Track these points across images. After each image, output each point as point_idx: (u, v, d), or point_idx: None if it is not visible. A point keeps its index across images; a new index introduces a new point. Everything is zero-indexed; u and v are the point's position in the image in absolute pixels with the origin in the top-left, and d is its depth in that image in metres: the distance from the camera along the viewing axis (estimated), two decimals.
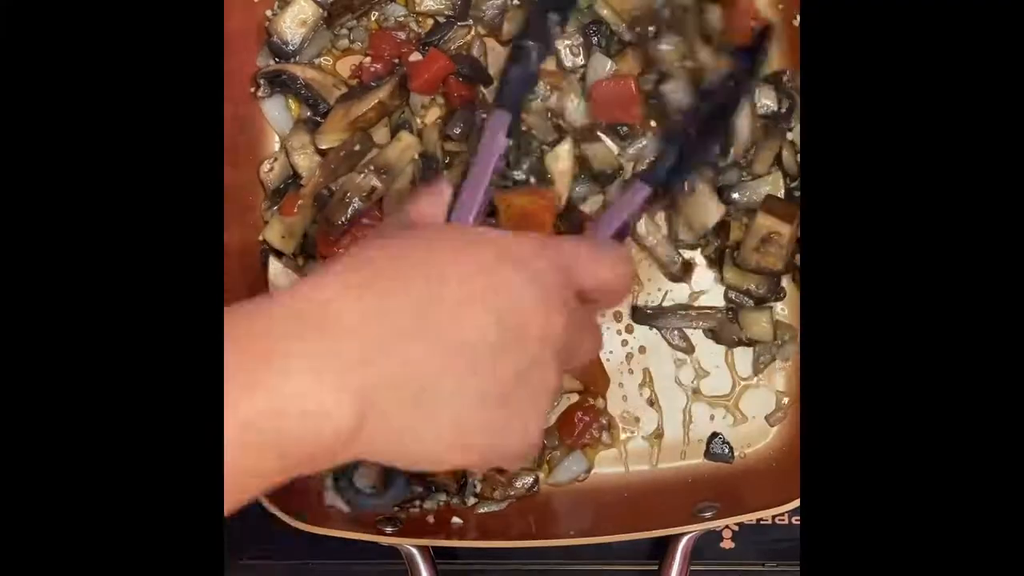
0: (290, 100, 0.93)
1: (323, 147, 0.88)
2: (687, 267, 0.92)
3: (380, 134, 0.89)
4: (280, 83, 0.90)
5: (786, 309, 0.92)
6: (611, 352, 0.92)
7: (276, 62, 0.92)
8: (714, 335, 0.92)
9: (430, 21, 0.92)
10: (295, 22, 0.91)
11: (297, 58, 0.91)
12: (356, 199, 0.85)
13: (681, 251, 0.91)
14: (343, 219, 0.84)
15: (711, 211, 0.88)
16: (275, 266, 0.89)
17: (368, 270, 0.51)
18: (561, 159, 0.88)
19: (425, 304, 0.50)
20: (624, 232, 0.72)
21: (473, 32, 0.91)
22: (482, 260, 0.53)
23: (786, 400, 0.92)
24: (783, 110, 0.90)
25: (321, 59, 0.93)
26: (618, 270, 0.61)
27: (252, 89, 0.91)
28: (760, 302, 0.91)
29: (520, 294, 0.52)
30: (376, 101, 0.86)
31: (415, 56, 0.90)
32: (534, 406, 0.55)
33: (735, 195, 0.89)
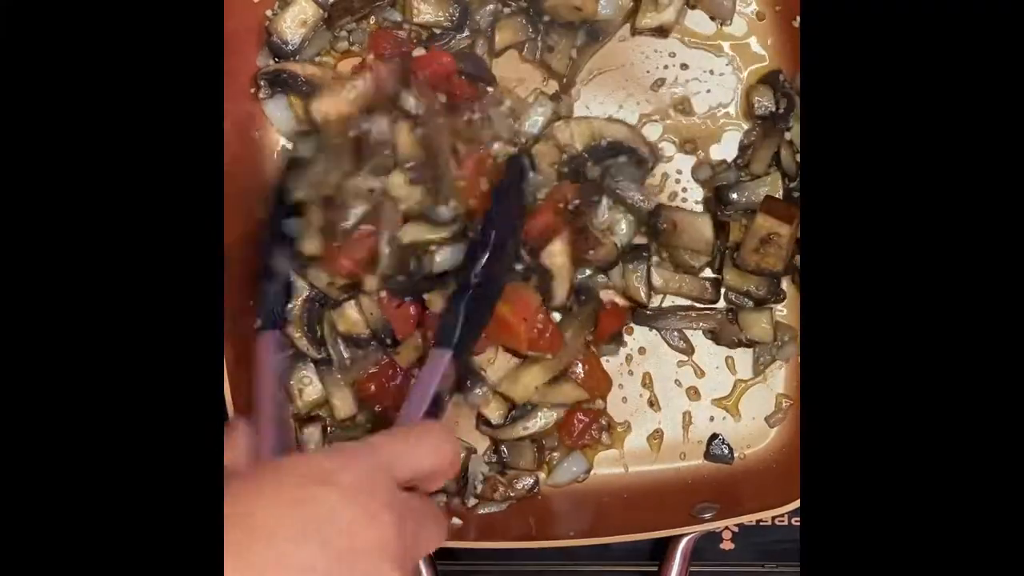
0: (292, 99, 0.93)
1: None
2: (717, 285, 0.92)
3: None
4: (281, 82, 0.90)
5: (786, 310, 0.92)
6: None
7: (276, 62, 0.92)
8: (714, 336, 0.92)
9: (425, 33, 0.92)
10: (295, 22, 0.91)
11: (297, 58, 0.92)
12: (357, 202, 0.84)
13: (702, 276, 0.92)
14: (344, 223, 0.84)
15: (705, 225, 0.89)
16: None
17: None
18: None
19: (244, 557, 0.48)
20: (438, 406, 0.70)
21: (471, 43, 0.92)
22: (289, 496, 0.51)
23: (786, 401, 0.92)
24: (780, 110, 0.90)
25: (321, 59, 0.93)
26: (439, 454, 0.60)
27: (252, 90, 0.91)
28: (760, 303, 0.91)
29: (338, 514, 0.51)
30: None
31: (419, 51, 0.90)
32: None
33: (733, 195, 0.89)
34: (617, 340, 0.91)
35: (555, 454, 0.91)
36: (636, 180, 0.89)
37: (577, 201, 0.86)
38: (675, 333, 0.92)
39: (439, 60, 0.88)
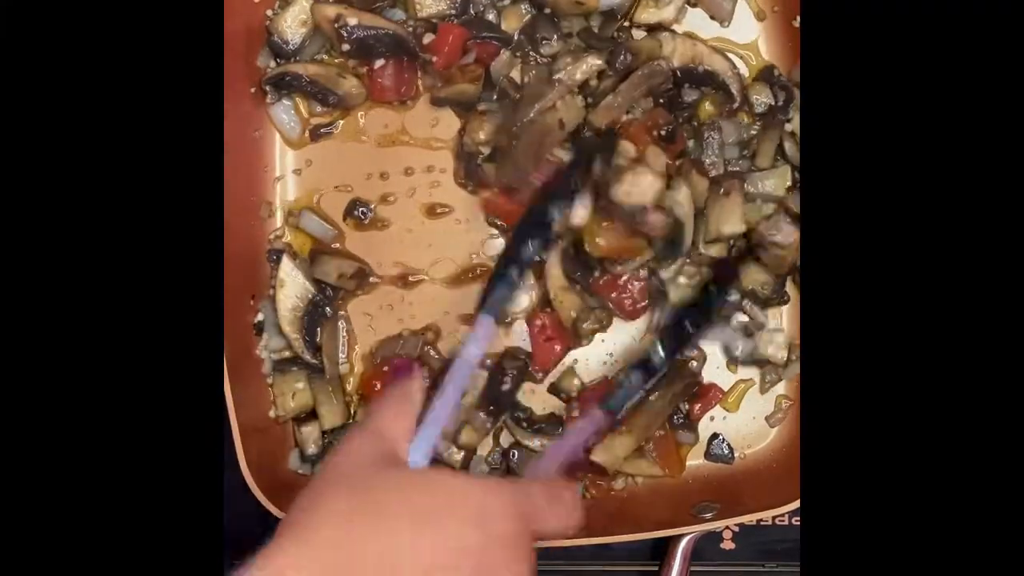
0: (298, 100, 0.93)
1: None
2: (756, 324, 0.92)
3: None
4: (285, 85, 0.90)
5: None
6: (610, 354, 0.92)
7: (277, 62, 0.92)
8: (727, 350, 0.91)
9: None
10: (296, 22, 0.91)
11: (297, 58, 0.92)
12: None
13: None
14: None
15: (736, 219, 0.88)
16: (287, 264, 0.89)
17: (319, 554, 0.50)
18: None
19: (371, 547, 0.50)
20: (577, 465, 0.70)
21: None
22: (442, 533, 0.52)
23: (786, 401, 0.92)
24: (780, 103, 0.90)
25: (322, 58, 0.93)
26: (569, 520, 0.61)
27: (252, 90, 0.91)
28: (765, 304, 0.90)
29: (487, 558, 0.53)
30: None
31: (428, 37, 0.91)
32: None
33: (748, 188, 0.88)
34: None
35: None
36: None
37: (669, 128, 0.87)
38: None
39: (451, 33, 0.89)
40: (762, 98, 0.90)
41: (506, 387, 0.88)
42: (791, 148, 0.90)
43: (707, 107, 0.91)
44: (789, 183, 0.89)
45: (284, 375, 0.89)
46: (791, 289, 0.91)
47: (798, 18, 0.91)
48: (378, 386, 0.90)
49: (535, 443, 0.88)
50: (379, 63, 0.90)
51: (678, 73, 0.89)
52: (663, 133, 0.87)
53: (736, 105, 0.90)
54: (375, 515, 0.52)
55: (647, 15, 0.91)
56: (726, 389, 0.92)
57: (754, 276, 0.89)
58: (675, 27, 0.92)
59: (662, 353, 0.75)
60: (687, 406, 0.91)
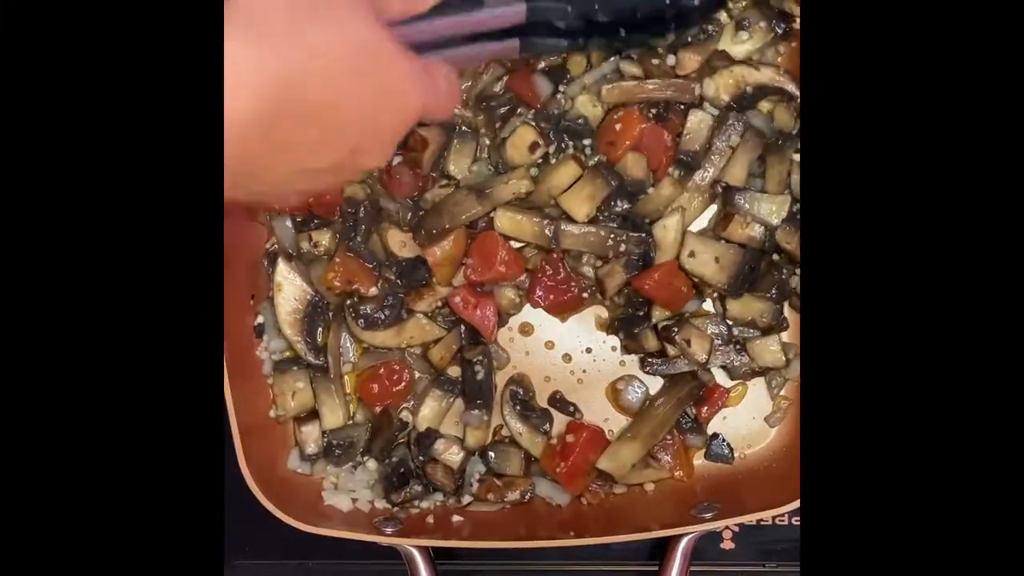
0: None
1: None
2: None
3: None
4: None
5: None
6: (604, 360, 0.92)
7: None
8: (729, 371, 0.91)
9: None
10: None
11: None
12: None
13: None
14: None
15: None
16: (283, 267, 0.89)
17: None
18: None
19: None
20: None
21: None
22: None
23: (785, 402, 0.92)
24: (795, 132, 0.90)
25: None
26: (442, 92, 0.60)
27: None
28: (766, 332, 0.90)
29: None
30: None
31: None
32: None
33: (739, 199, 0.88)
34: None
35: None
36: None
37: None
38: None
39: None
40: (780, 121, 0.90)
41: (480, 376, 0.89)
42: (796, 181, 0.89)
43: (780, 114, 0.90)
44: (785, 215, 0.88)
45: (284, 375, 0.89)
46: (789, 314, 0.91)
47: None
48: (375, 389, 0.90)
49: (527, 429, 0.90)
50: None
51: (734, 104, 0.89)
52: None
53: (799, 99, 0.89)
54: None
55: (733, 46, 0.90)
56: (729, 388, 0.92)
57: (753, 305, 0.89)
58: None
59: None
60: (694, 410, 0.90)
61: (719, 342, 0.90)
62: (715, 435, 0.91)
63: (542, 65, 0.89)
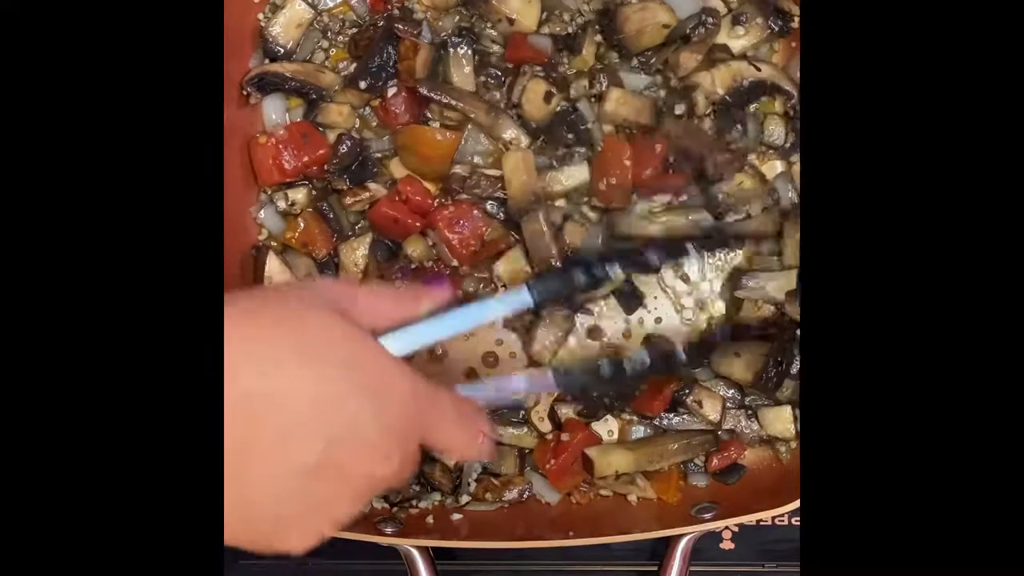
0: (291, 100, 0.93)
1: None
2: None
3: None
4: (269, 84, 0.91)
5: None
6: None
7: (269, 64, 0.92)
8: (736, 435, 0.90)
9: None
10: (289, 24, 0.91)
11: (294, 58, 0.92)
12: None
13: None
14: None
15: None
16: (273, 262, 0.89)
17: (241, 330, 0.49)
18: None
19: (255, 410, 0.48)
20: (503, 404, 0.68)
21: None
22: (340, 375, 0.50)
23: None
24: (788, 144, 0.90)
25: (313, 56, 0.94)
26: (474, 437, 0.58)
27: (245, 93, 0.91)
28: (768, 392, 0.89)
29: (367, 432, 0.50)
30: None
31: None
32: (326, 515, 0.53)
33: (746, 282, 0.88)
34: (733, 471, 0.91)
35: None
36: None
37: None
38: None
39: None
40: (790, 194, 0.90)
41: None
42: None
43: (775, 106, 0.91)
44: (792, 287, 0.88)
45: None
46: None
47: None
48: None
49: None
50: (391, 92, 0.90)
51: (728, 99, 0.89)
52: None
53: (796, 100, 0.89)
54: (296, 319, 0.51)
55: (729, 40, 0.90)
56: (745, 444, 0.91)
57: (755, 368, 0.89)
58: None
59: (644, 362, 0.74)
60: (704, 458, 0.90)
61: (731, 405, 0.90)
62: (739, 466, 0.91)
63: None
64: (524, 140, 0.89)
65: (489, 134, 0.89)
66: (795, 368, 0.86)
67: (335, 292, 0.55)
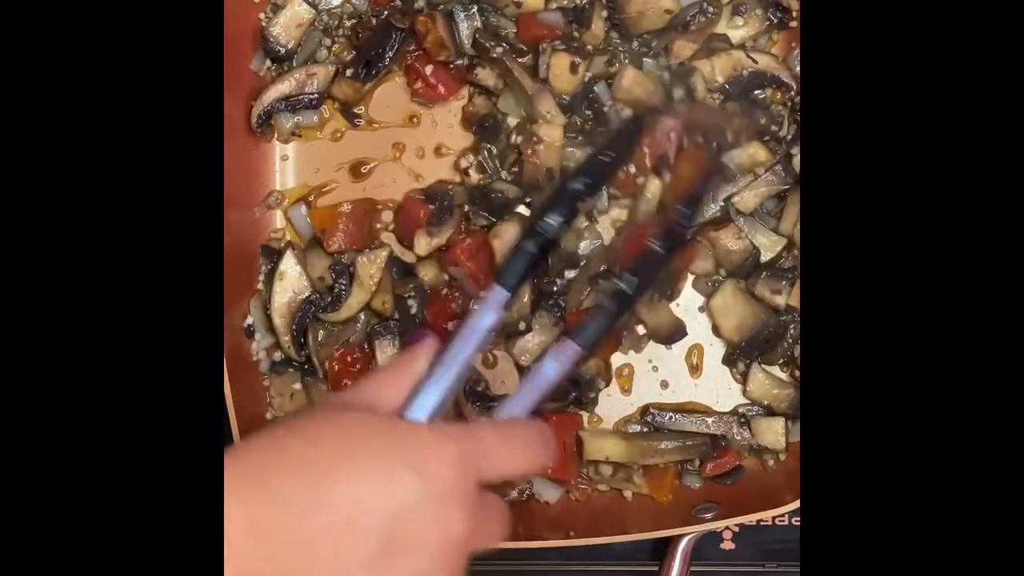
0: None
1: None
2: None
3: None
4: (275, 112, 0.91)
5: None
6: None
7: (270, 64, 0.93)
8: (725, 441, 0.90)
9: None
10: (290, 24, 0.91)
11: (294, 60, 0.93)
12: None
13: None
14: None
15: None
16: (290, 259, 0.89)
17: (254, 474, 0.49)
18: None
19: (302, 521, 0.48)
20: (542, 403, 0.63)
21: None
22: (373, 468, 0.50)
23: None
24: (786, 135, 0.90)
25: (316, 56, 0.94)
26: (533, 459, 0.56)
27: (256, 127, 0.92)
28: (771, 413, 0.89)
29: (414, 504, 0.50)
30: None
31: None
32: None
33: (739, 219, 0.89)
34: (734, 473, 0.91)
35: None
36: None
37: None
38: None
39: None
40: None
41: (413, 310, 0.90)
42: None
43: (776, 97, 0.91)
44: (772, 256, 0.89)
45: (281, 376, 0.89)
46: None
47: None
48: (336, 368, 0.90)
49: None
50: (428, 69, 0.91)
51: (727, 87, 0.89)
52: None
53: (794, 93, 0.89)
54: (307, 436, 0.51)
55: (728, 30, 0.90)
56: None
57: (772, 392, 0.89)
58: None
59: (635, 280, 0.69)
60: (699, 462, 0.90)
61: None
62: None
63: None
64: (560, 117, 0.89)
65: (528, 103, 0.89)
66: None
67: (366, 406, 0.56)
